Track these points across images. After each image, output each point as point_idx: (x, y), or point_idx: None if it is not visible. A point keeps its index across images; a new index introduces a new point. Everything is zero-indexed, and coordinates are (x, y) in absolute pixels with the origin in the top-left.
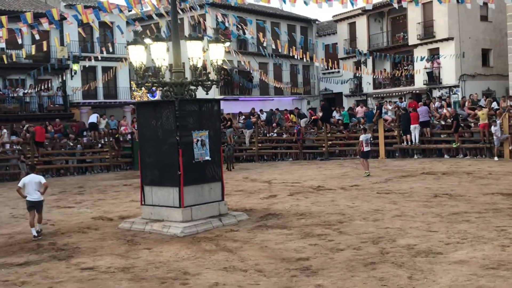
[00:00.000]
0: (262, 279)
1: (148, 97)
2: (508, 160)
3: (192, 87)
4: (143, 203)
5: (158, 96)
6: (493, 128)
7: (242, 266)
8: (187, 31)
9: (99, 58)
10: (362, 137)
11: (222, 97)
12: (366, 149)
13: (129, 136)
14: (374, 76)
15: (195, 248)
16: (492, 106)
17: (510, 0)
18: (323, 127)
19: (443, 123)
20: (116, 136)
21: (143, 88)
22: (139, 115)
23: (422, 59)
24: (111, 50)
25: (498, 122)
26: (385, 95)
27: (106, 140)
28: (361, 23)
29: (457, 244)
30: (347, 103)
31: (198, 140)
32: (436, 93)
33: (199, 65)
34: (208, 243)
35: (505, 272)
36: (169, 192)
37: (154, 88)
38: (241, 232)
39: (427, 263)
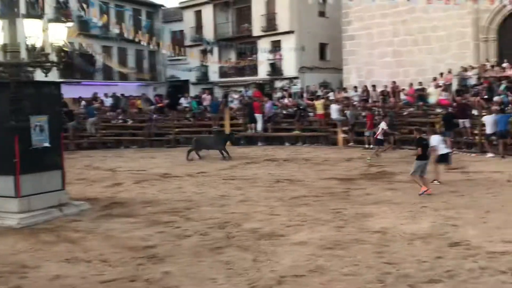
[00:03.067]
0: (107, 269)
1: None
2: (341, 147)
3: (30, 69)
4: None
5: None
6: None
7: (86, 257)
8: (23, 9)
9: None
10: (382, 125)
11: (62, 80)
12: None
13: None
14: (220, 65)
15: (33, 240)
16: (328, 96)
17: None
18: (170, 114)
19: (284, 112)
20: None
21: None
22: None
23: (265, 50)
24: None
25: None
26: (231, 84)
27: None
28: (207, 12)
29: (297, 226)
30: (194, 91)
31: (36, 126)
32: (278, 84)
33: (38, 45)
34: (48, 234)
35: (340, 251)
36: (4, 181)
37: None
38: (84, 222)
39: (270, 246)
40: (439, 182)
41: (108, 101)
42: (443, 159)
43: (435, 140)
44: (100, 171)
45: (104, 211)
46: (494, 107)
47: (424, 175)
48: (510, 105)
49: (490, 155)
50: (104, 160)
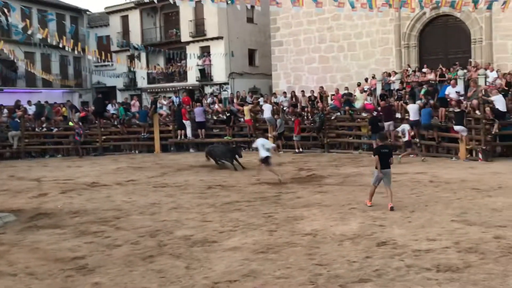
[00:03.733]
0: (34, 282)
1: None
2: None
3: None
4: None
5: None
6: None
7: (11, 271)
8: None
9: None
10: (406, 127)
11: None
12: (405, 138)
13: None
14: (148, 71)
15: None
16: (258, 102)
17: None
18: (96, 122)
19: (215, 118)
20: None
21: None
22: None
23: (194, 56)
24: None
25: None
26: (159, 90)
27: None
28: (134, 17)
29: (230, 232)
30: (121, 97)
31: None
32: (208, 90)
33: None
34: None
35: (273, 255)
36: None
37: None
38: (8, 234)
39: (203, 252)
40: (280, 180)
41: (32, 109)
42: (265, 161)
43: (257, 143)
44: (24, 182)
45: (29, 222)
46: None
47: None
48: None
49: (410, 154)
50: (28, 170)
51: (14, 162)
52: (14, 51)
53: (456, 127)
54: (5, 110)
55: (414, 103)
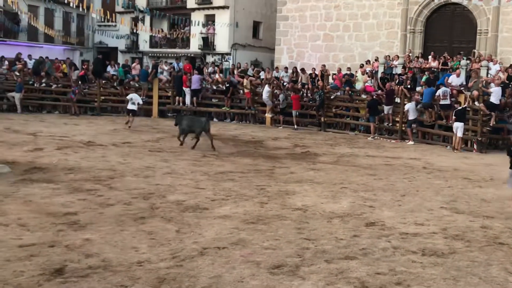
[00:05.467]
0: (26, 234)
1: None
2: (269, 126)
3: None
4: None
5: None
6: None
7: (3, 221)
8: None
9: None
10: (408, 106)
11: None
12: (410, 117)
13: None
14: (152, 34)
15: None
16: (259, 75)
17: None
18: (95, 81)
19: (215, 87)
20: None
21: None
22: None
23: (198, 23)
24: None
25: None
26: (161, 55)
27: None
28: None
29: (222, 200)
30: (122, 59)
31: None
32: (209, 59)
33: None
34: None
35: (262, 226)
36: None
37: None
38: (2, 185)
39: (195, 218)
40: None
41: (31, 63)
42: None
43: (128, 97)
44: (20, 135)
45: (24, 175)
46: (416, 97)
47: None
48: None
49: (410, 142)
50: (25, 124)
51: (10, 115)
52: (18, 3)
53: (456, 124)
54: (6, 62)
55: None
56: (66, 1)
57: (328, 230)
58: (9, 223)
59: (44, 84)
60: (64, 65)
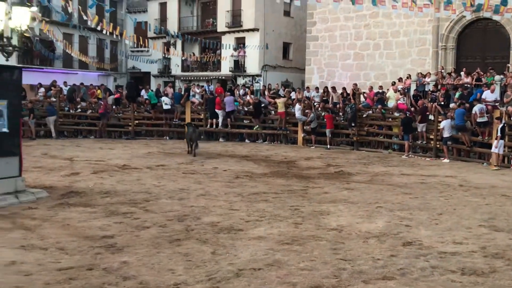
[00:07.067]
0: (64, 257)
1: None
2: (301, 146)
3: None
4: None
5: None
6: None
7: (42, 244)
8: None
9: None
10: (443, 123)
11: (22, 66)
12: (445, 134)
13: None
14: (183, 58)
15: None
16: (290, 96)
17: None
18: (129, 106)
19: (246, 109)
20: None
21: None
22: None
23: (229, 46)
24: None
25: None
26: (192, 78)
27: None
28: (172, 4)
29: (256, 221)
30: (155, 83)
31: None
32: (240, 81)
33: (0, 28)
34: (2, 220)
35: (297, 247)
36: None
37: None
38: (41, 209)
39: (229, 239)
40: None
41: (66, 90)
42: None
43: None
44: (57, 160)
45: (61, 199)
46: (450, 114)
47: None
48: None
49: (445, 160)
50: (61, 149)
51: (47, 141)
52: (53, 31)
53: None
54: (42, 89)
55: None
56: (99, 29)
57: (364, 250)
58: (48, 247)
59: (79, 110)
60: (99, 91)
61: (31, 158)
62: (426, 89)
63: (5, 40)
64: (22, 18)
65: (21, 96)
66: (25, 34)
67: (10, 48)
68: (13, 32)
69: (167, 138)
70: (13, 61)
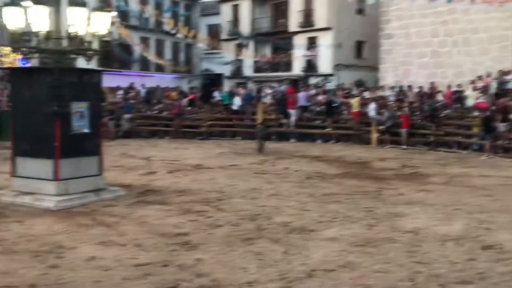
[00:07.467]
0: (141, 253)
1: (18, 64)
2: (375, 147)
3: (72, 56)
4: (13, 174)
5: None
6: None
7: (120, 241)
8: None
9: None
10: None
11: (102, 69)
12: None
13: None
14: (255, 60)
15: (70, 222)
16: (363, 95)
17: None
18: (203, 107)
19: (318, 109)
20: None
21: (13, 55)
22: (13, 82)
23: (301, 46)
24: None
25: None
26: (264, 79)
27: None
28: (245, 6)
29: (328, 222)
30: (227, 85)
31: (77, 112)
32: (312, 81)
33: (81, 33)
34: (84, 217)
35: (371, 249)
36: (43, 164)
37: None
38: (119, 207)
39: (301, 240)
40: None
41: (144, 92)
42: None
43: None
44: (135, 160)
45: (138, 197)
46: None
47: None
48: None
49: None
50: (139, 149)
51: (126, 141)
52: (131, 35)
53: None
54: (121, 91)
55: None
56: (175, 32)
57: (441, 253)
58: (126, 243)
59: (155, 111)
60: (174, 93)
61: (110, 157)
62: (508, 87)
63: (86, 44)
64: (102, 23)
65: (101, 98)
66: (104, 39)
67: (91, 52)
68: (93, 37)
69: (240, 138)
70: (93, 64)
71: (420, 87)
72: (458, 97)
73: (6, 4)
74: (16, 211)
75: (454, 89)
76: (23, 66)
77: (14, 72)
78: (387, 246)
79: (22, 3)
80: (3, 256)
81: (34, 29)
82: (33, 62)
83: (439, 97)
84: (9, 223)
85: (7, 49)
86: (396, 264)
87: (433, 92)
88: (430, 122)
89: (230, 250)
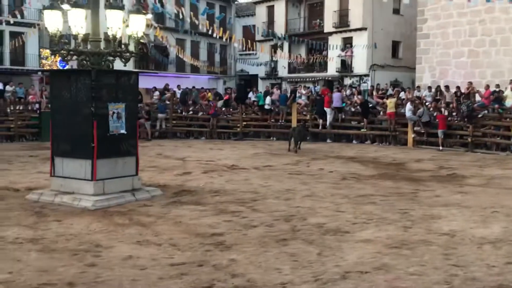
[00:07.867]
0: (177, 253)
1: (58, 66)
2: (411, 148)
3: (110, 58)
4: (52, 174)
5: (69, 66)
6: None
7: (156, 240)
8: None
9: (11, 22)
10: None
11: (138, 70)
12: None
13: (36, 106)
14: (290, 60)
15: (107, 221)
16: (399, 95)
17: None
18: (238, 108)
19: (353, 110)
20: None
21: (53, 57)
22: (53, 84)
23: (336, 47)
24: (19, 16)
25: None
26: (299, 79)
27: (12, 108)
28: (280, 7)
29: (363, 224)
30: (262, 85)
31: (114, 113)
32: (347, 81)
33: (118, 35)
34: (120, 217)
35: (407, 251)
36: (81, 164)
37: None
38: (155, 207)
39: (336, 241)
40: None
41: (179, 93)
42: None
43: None
44: (170, 160)
45: (174, 197)
46: None
47: None
48: None
49: None
50: (174, 149)
51: (161, 142)
52: (167, 37)
53: None
54: (157, 92)
55: None
56: (210, 33)
57: (478, 256)
58: (162, 243)
59: (191, 112)
60: (209, 94)
61: (146, 158)
62: None
63: (123, 46)
64: (138, 25)
65: (138, 100)
66: (141, 41)
67: (128, 54)
68: (130, 39)
69: (274, 139)
70: (130, 66)
71: (458, 87)
72: (496, 97)
73: (46, 8)
74: (55, 210)
75: (492, 89)
76: (62, 68)
77: (53, 74)
78: (423, 249)
79: (62, 7)
80: (42, 254)
81: (72, 32)
82: (72, 64)
83: (477, 97)
84: (49, 222)
85: (47, 52)
86: (432, 266)
87: (470, 92)
88: (468, 123)
89: (264, 250)
